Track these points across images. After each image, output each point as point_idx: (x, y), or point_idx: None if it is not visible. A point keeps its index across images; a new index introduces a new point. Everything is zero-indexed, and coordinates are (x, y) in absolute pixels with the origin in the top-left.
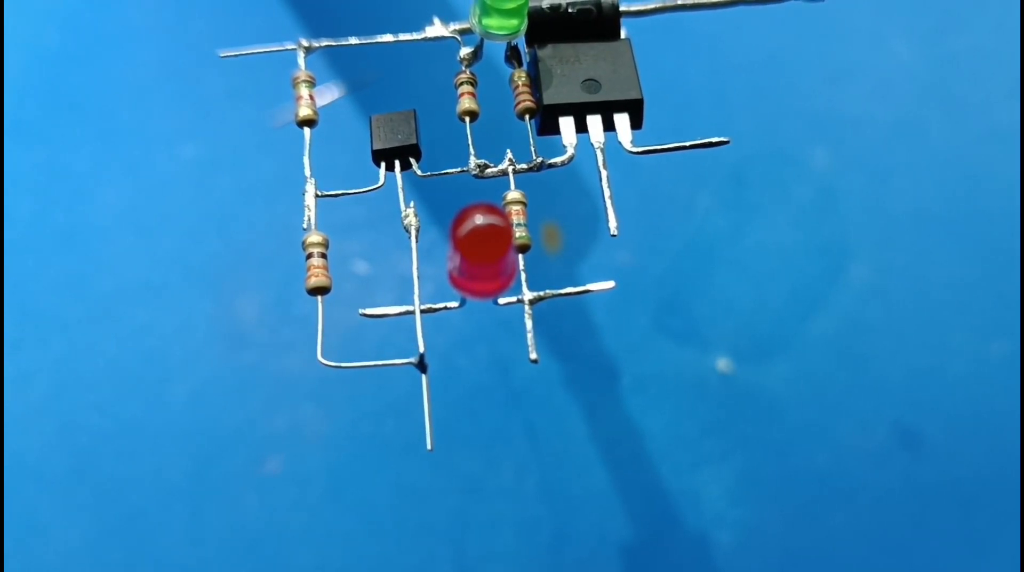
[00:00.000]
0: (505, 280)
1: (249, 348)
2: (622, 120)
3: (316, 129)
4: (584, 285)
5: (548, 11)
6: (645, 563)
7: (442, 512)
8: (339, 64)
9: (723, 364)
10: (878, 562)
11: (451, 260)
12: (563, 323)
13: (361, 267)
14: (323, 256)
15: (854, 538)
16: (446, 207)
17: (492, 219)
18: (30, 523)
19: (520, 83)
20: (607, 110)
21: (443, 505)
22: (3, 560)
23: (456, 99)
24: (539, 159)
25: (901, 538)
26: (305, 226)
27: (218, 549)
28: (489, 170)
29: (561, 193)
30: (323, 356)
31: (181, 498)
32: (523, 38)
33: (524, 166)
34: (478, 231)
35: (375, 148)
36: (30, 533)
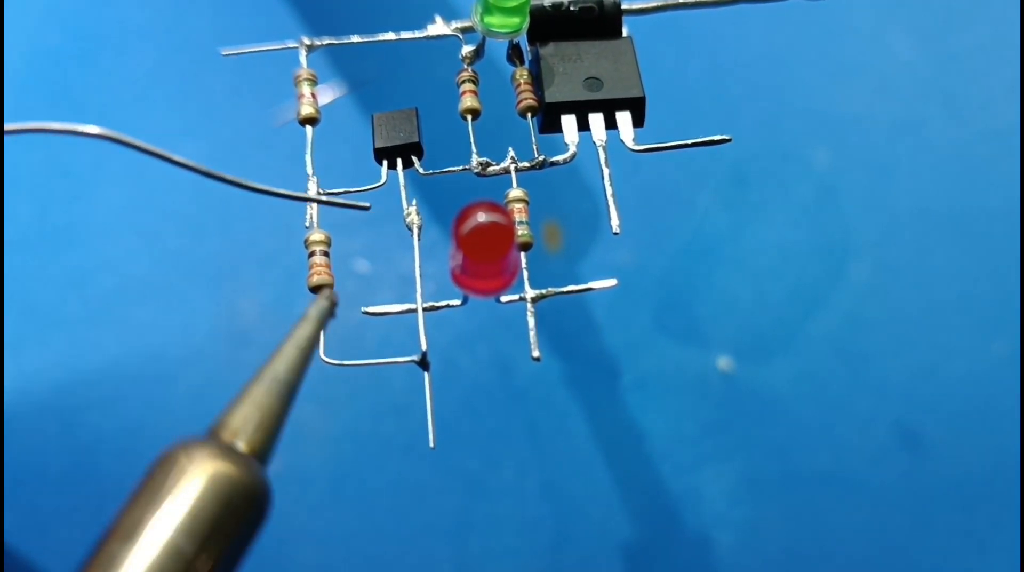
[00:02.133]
0: (508, 278)
1: (250, 346)
2: (624, 118)
3: (318, 127)
4: (585, 283)
5: (550, 9)
6: (646, 562)
7: (443, 511)
8: (341, 62)
9: (724, 363)
10: (879, 561)
11: (454, 258)
12: (564, 321)
13: (362, 265)
14: (325, 254)
15: (855, 537)
16: (448, 205)
17: (494, 217)
18: (30, 523)
19: (522, 81)
20: (609, 108)
21: (444, 504)
22: (3, 560)
23: (458, 97)
24: (541, 157)
25: (902, 537)
26: (307, 224)
27: None
28: (491, 168)
29: (562, 191)
30: (325, 354)
31: None
32: (525, 36)
33: (526, 164)
34: (480, 229)
35: (377, 146)
36: (30, 533)
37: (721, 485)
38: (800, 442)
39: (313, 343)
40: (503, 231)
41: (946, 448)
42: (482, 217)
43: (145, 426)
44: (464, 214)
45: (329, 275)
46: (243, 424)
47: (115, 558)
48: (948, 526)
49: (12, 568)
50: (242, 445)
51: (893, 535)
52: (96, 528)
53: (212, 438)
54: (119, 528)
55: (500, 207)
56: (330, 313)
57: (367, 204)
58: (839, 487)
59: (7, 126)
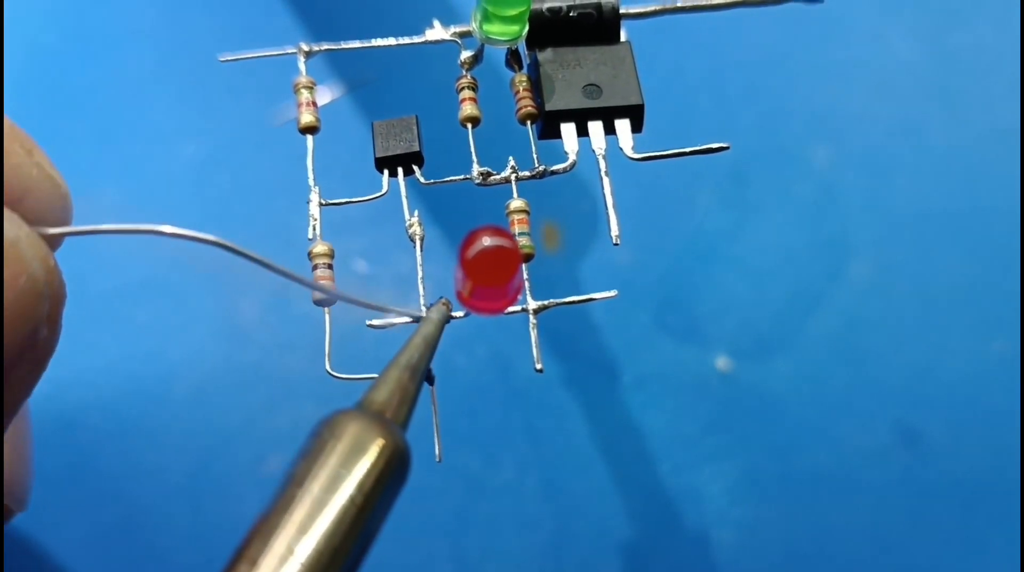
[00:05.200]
0: (513, 296)
1: (250, 347)
2: (623, 126)
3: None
4: (586, 290)
5: (548, 14)
6: (646, 562)
7: (442, 510)
8: (339, 64)
9: (723, 362)
10: (879, 561)
11: (459, 281)
12: (563, 322)
13: (361, 266)
14: (329, 267)
15: (855, 537)
16: (448, 207)
17: (499, 241)
18: (30, 522)
19: (521, 88)
20: (608, 116)
21: (443, 503)
22: (3, 560)
23: (457, 101)
24: (541, 167)
25: (901, 537)
26: (310, 237)
27: (219, 548)
28: (492, 178)
29: (561, 192)
30: (328, 361)
31: (182, 497)
32: (523, 42)
33: (527, 173)
34: (486, 253)
35: (378, 156)
36: (30, 532)
37: (721, 484)
38: (800, 441)
39: (437, 339)
40: (508, 255)
41: (946, 448)
42: (487, 241)
43: (145, 426)
44: (469, 239)
45: (333, 288)
46: (389, 400)
47: (295, 501)
48: (948, 525)
49: (12, 568)
50: (389, 416)
51: (893, 534)
52: (97, 528)
53: (367, 410)
54: (295, 479)
55: (505, 231)
56: (448, 317)
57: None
58: (839, 486)
59: (117, 226)
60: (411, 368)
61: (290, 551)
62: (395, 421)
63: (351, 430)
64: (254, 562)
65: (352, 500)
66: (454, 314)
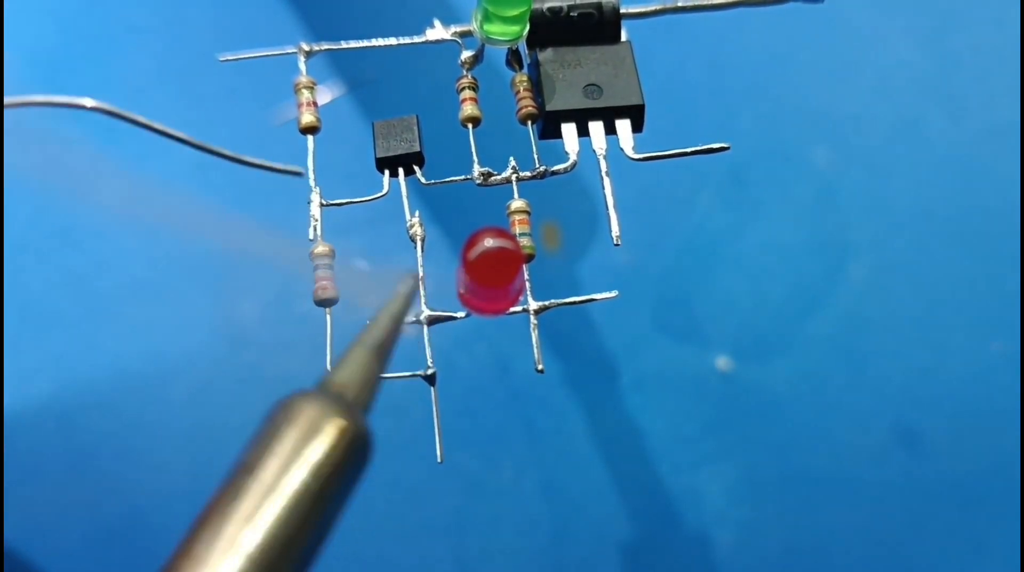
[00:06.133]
0: (514, 297)
1: (250, 347)
2: (623, 126)
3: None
4: (586, 290)
5: (549, 14)
6: (645, 561)
7: (442, 511)
8: (340, 63)
9: (723, 362)
10: (878, 560)
11: (461, 281)
12: (563, 322)
13: (361, 266)
14: (330, 267)
15: (854, 536)
16: (448, 208)
17: (502, 243)
18: (30, 523)
19: (521, 88)
20: (609, 116)
21: (443, 504)
22: (3, 560)
23: (457, 101)
24: (542, 168)
25: (900, 536)
26: (311, 237)
27: None
28: (493, 178)
29: (561, 192)
30: (329, 362)
31: (181, 497)
32: (524, 41)
33: (527, 174)
34: (488, 255)
35: (378, 156)
36: (30, 533)
37: (720, 484)
38: (799, 441)
39: (404, 315)
40: (510, 257)
41: (945, 448)
42: (489, 243)
43: (144, 426)
44: (472, 240)
45: (334, 289)
46: (350, 381)
47: (243, 490)
48: (947, 526)
49: (12, 568)
50: (350, 398)
51: (892, 535)
52: (96, 527)
53: (326, 391)
54: (245, 465)
55: (507, 232)
56: (415, 290)
57: (300, 170)
58: (838, 486)
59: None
60: (376, 347)
61: (234, 543)
62: (356, 403)
63: (307, 412)
64: (194, 557)
65: (306, 486)
66: (456, 314)
